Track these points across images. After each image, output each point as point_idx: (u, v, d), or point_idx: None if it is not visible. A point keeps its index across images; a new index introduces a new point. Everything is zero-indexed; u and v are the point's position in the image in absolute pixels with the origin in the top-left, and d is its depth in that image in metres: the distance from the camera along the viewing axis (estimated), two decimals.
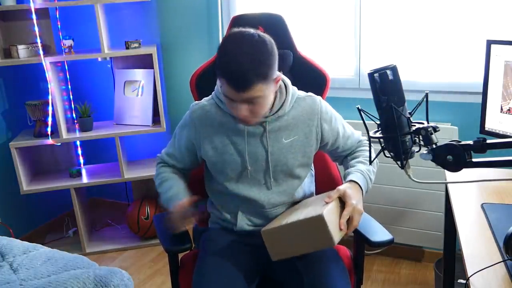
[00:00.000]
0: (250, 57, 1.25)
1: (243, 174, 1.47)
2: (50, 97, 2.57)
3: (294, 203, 1.53)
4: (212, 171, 1.52)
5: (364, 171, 1.45)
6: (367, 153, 1.53)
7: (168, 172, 1.59)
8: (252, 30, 1.30)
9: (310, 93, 1.53)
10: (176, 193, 1.50)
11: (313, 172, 1.63)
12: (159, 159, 1.64)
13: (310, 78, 1.70)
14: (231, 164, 1.46)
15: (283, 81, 1.47)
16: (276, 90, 1.43)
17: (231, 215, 1.52)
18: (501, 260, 1.09)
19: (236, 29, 1.32)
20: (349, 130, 1.57)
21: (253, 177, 1.47)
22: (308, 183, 1.58)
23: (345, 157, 1.59)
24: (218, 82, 1.50)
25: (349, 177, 1.42)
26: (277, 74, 1.35)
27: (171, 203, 1.47)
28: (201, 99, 1.56)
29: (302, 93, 1.52)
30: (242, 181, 1.48)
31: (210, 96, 1.53)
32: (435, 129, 1.07)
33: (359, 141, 1.57)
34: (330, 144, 1.53)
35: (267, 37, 1.31)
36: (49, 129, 2.65)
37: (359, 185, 1.40)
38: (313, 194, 1.61)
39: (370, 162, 1.18)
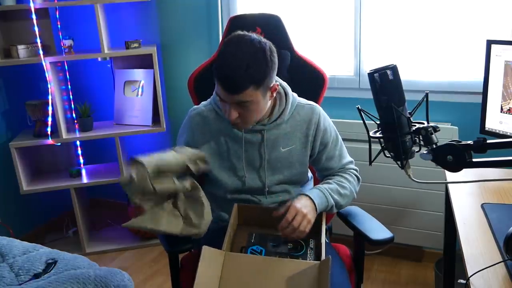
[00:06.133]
0: (245, 61, 1.25)
1: (240, 181, 1.48)
2: (50, 97, 2.57)
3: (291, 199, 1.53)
4: (209, 175, 1.52)
5: (324, 189, 1.42)
6: (343, 179, 1.50)
7: None
8: (255, 35, 1.30)
9: (311, 102, 1.51)
10: None
11: (311, 175, 1.64)
12: None
13: (308, 79, 1.70)
14: (228, 171, 1.47)
15: (283, 88, 1.46)
16: (276, 98, 1.44)
17: (229, 215, 1.52)
18: (501, 260, 1.09)
19: (240, 32, 1.32)
20: (338, 152, 1.53)
21: (250, 185, 1.48)
22: (307, 186, 1.60)
23: (321, 178, 1.57)
24: (216, 89, 1.50)
25: (304, 192, 1.40)
26: (274, 82, 1.35)
27: None
28: (200, 101, 1.56)
29: (303, 101, 1.51)
30: (239, 187, 1.48)
31: (209, 100, 1.53)
32: (435, 129, 1.07)
33: (341, 167, 1.53)
34: (315, 156, 1.51)
35: (268, 44, 1.31)
36: (49, 129, 2.65)
37: (312, 199, 1.37)
38: None
39: (370, 162, 1.18)
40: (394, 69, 1.07)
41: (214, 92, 1.49)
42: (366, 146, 1.21)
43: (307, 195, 1.38)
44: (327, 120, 1.51)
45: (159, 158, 1.29)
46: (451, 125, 2.25)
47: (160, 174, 1.28)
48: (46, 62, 2.52)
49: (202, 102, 1.54)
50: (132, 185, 1.25)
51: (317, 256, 1.31)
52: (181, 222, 1.32)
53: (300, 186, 1.57)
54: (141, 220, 1.29)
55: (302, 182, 1.57)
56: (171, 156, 1.32)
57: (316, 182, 1.66)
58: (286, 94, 1.46)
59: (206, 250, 1.24)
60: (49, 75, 2.53)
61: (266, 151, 1.45)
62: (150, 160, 1.27)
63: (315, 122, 1.47)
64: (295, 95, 1.50)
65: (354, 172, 1.55)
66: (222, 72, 1.27)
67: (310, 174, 1.63)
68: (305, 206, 1.34)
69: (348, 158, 1.56)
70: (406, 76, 2.28)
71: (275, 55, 1.32)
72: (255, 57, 1.26)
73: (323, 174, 1.57)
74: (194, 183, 1.34)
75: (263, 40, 1.31)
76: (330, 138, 1.50)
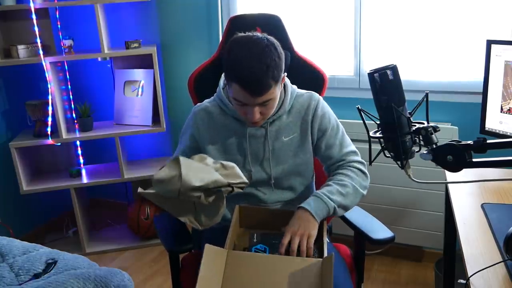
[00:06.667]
0: (263, 62, 1.26)
1: (247, 174, 1.48)
2: (50, 97, 2.57)
3: (297, 200, 1.53)
4: None
5: (321, 193, 1.37)
6: (343, 177, 1.43)
7: None
8: (259, 34, 1.32)
9: (310, 91, 1.53)
10: None
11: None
12: None
13: (308, 79, 1.70)
14: None
15: None
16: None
17: (231, 212, 1.52)
18: (501, 260, 1.09)
19: (241, 34, 1.33)
20: (339, 141, 1.49)
21: (256, 178, 1.48)
22: (312, 183, 1.59)
23: (327, 172, 1.54)
24: (220, 85, 1.51)
25: (300, 205, 1.36)
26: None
27: None
28: (200, 101, 1.57)
29: (302, 91, 1.53)
30: None
31: (212, 97, 1.54)
32: (435, 129, 1.07)
33: (343, 157, 1.47)
34: (315, 144, 1.50)
35: (270, 37, 1.32)
36: (49, 129, 2.65)
37: (307, 210, 1.33)
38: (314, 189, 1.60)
39: (370, 162, 1.18)
40: (394, 69, 1.07)
41: (218, 89, 1.51)
42: (366, 146, 1.21)
43: (301, 207, 1.34)
44: (325, 107, 1.50)
45: (200, 176, 1.22)
46: (451, 125, 2.25)
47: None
48: (46, 62, 2.52)
49: (206, 100, 1.55)
50: (161, 185, 1.23)
51: (320, 256, 1.31)
52: (190, 213, 1.31)
53: (306, 182, 1.55)
54: (157, 197, 1.27)
55: (307, 175, 1.54)
56: (213, 177, 1.23)
57: (318, 179, 1.66)
58: (285, 85, 1.48)
59: (208, 248, 1.24)
60: (49, 75, 2.53)
61: (269, 142, 1.46)
62: (189, 174, 1.21)
63: (313, 108, 1.47)
64: (295, 87, 1.52)
65: (357, 165, 1.47)
66: (243, 75, 1.26)
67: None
68: (299, 224, 1.29)
69: (351, 147, 1.51)
70: (406, 76, 2.29)
71: (279, 45, 1.34)
72: (269, 55, 1.27)
73: (326, 164, 1.53)
74: (221, 195, 1.29)
75: (268, 36, 1.33)
76: (329, 124, 1.48)
